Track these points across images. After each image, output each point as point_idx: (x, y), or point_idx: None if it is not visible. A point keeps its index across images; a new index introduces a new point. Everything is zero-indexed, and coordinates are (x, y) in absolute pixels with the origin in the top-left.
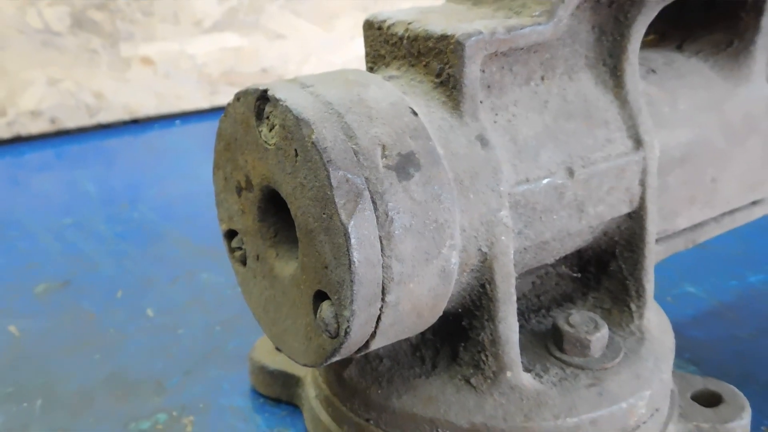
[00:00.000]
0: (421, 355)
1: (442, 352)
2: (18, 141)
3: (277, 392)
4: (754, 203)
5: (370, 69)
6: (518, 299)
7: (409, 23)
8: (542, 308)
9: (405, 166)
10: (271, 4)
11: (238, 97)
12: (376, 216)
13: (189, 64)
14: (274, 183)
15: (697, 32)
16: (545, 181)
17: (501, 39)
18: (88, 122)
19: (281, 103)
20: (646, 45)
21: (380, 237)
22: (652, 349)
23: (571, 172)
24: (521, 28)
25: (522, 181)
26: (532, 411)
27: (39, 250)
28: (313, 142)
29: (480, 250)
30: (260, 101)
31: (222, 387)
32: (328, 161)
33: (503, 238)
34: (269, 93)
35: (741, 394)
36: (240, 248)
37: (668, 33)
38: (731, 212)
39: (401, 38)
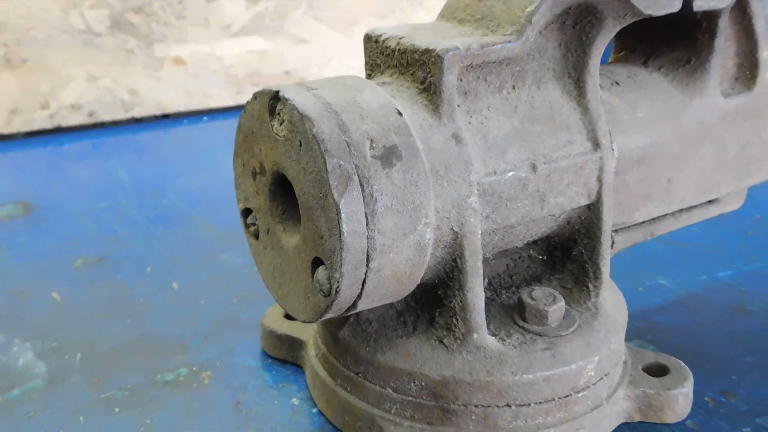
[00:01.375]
0: (404, 320)
1: (421, 317)
2: (59, 132)
3: (284, 354)
4: (710, 202)
5: (368, 75)
6: (493, 278)
7: (401, 38)
8: (513, 286)
9: (388, 156)
10: (295, 11)
11: (255, 96)
12: (362, 196)
13: (217, 65)
14: (282, 168)
15: (660, 50)
16: (510, 174)
17: (475, 53)
18: (123, 116)
19: (289, 102)
20: (616, 60)
21: (366, 213)
22: (603, 323)
23: (534, 167)
24: (493, 45)
25: (490, 173)
26: (493, 367)
27: (77, 229)
28: (313, 135)
29: (452, 229)
30: (273, 100)
31: (236, 349)
32: (324, 150)
33: (472, 219)
34: (280, 94)
35: (686, 366)
36: (254, 224)
37: (637, 49)
38: (688, 209)
39: (393, 50)
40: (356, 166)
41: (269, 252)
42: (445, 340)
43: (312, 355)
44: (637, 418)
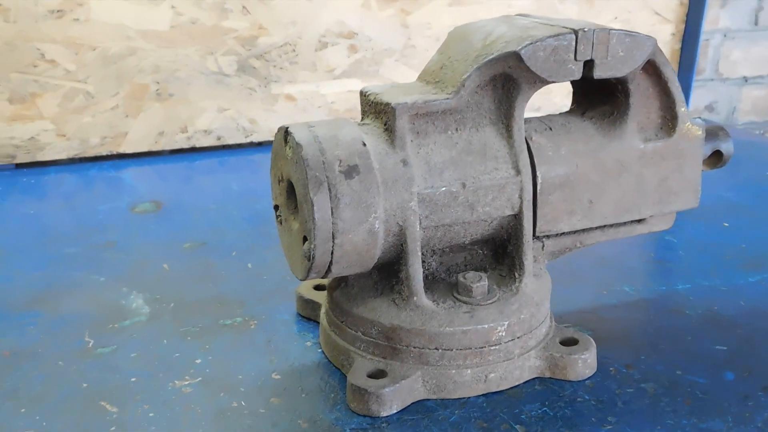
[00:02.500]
0: (376, 286)
1: (386, 285)
2: (193, 151)
3: (309, 313)
4: (638, 222)
5: (362, 118)
6: (452, 265)
7: (377, 94)
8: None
9: (350, 172)
10: (388, 58)
11: (279, 130)
12: (330, 196)
13: (321, 102)
14: (290, 177)
15: (595, 104)
16: (443, 188)
17: (419, 106)
18: (244, 140)
19: (292, 135)
20: (568, 111)
21: (331, 207)
22: (519, 300)
23: (463, 185)
24: (434, 101)
25: (428, 187)
26: (426, 321)
27: (191, 222)
28: (301, 156)
29: (398, 223)
30: (286, 133)
31: (279, 309)
32: (307, 166)
33: (411, 217)
34: (289, 129)
35: (592, 341)
36: (279, 215)
37: (581, 103)
38: (614, 226)
39: (372, 102)
40: (327, 176)
41: (285, 234)
42: (396, 300)
43: (322, 312)
44: (547, 374)
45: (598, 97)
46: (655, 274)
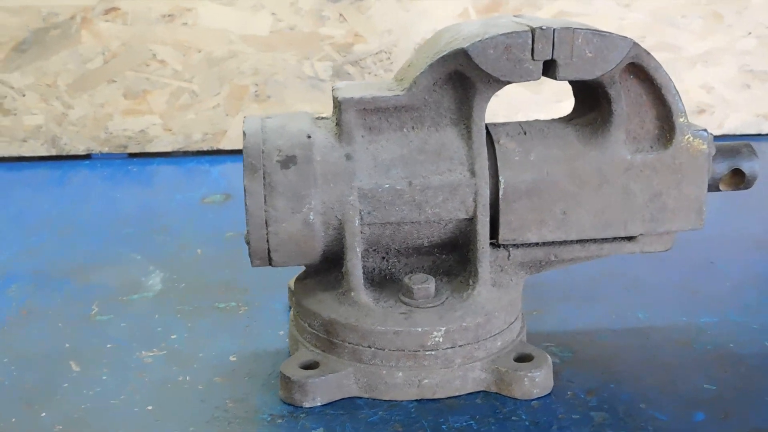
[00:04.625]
0: (327, 279)
1: (335, 279)
2: None
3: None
4: (627, 239)
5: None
6: (417, 268)
7: (337, 90)
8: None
9: (287, 162)
10: None
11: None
12: (264, 184)
13: None
14: None
15: (586, 111)
16: (387, 185)
17: (366, 101)
18: None
19: (244, 124)
20: (556, 118)
21: (264, 195)
22: (464, 308)
23: (410, 183)
24: (382, 97)
25: (372, 183)
26: (360, 317)
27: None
28: (243, 144)
29: (337, 217)
30: None
31: (275, 298)
32: (245, 154)
33: (350, 212)
34: (245, 119)
35: (548, 358)
36: None
37: (575, 109)
38: (597, 242)
39: (333, 99)
40: (264, 165)
41: None
42: (337, 294)
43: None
44: (493, 389)
45: (589, 103)
46: (681, 304)
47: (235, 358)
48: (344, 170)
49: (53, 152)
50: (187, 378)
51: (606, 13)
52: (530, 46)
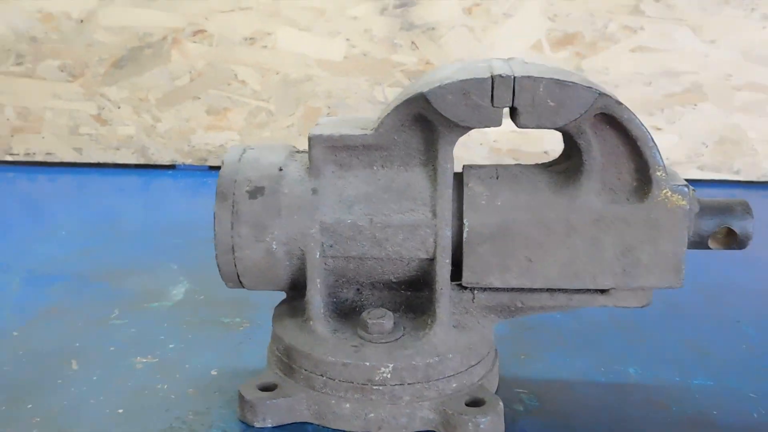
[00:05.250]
0: (298, 306)
1: (300, 307)
2: None
3: None
4: (599, 292)
5: None
6: (387, 303)
7: (317, 125)
8: (400, 312)
9: (255, 193)
10: None
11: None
12: (232, 212)
13: (484, 139)
14: None
15: (563, 158)
16: (349, 220)
17: (333, 138)
18: None
19: (226, 154)
20: (539, 163)
21: (231, 222)
22: (416, 346)
23: (371, 220)
24: (350, 135)
25: (335, 218)
26: (314, 346)
27: None
28: (219, 173)
29: (299, 248)
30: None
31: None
32: (219, 182)
33: (312, 244)
34: (230, 148)
35: (500, 406)
36: None
37: (563, 155)
38: (566, 292)
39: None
40: (234, 194)
41: None
42: (299, 322)
43: None
44: (441, 430)
45: (567, 151)
46: (681, 363)
47: (215, 372)
48: (309, 203)
49: (142, 161)
50: (165, 386)
51: (688, 50)
52: (490, 93)
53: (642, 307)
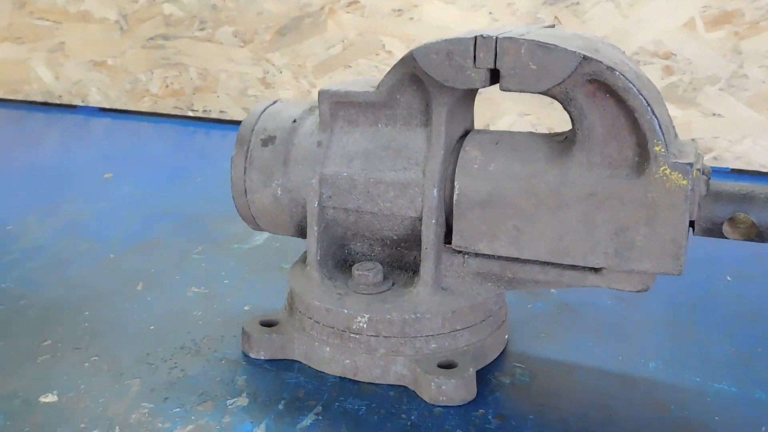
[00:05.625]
0: None
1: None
2: None
3: None
4: (593, 270)
5: None
6: (395, 261)
7: (332, 84)
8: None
9: (267, 141)
10: (711, 86)
11: None
12: (245, 158)
13: None
14: None
15: (568, 131)
16: (345, 173)
17: (339, 94)
18: None
19: (255, 105)
20: (549, 133)
21: (245, 167)
22: (394, 302)
23: (366, 176)
24: (354, 92)
25: (333, 170)
26: (305, 291)
27: None
28: (242, 122)
29: (302, 196)
30: None
31: None
32: (240, 130)
33: (312, 193)
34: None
35: (469, 373)
36: None
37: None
38: (557, 267)
39: None
40: (250, 141)
41: None
42: (304, 267)
43: None
44: (412, 387)
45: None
46: (708, 365)
47: (248, 308)
48: (312, 155)
49: None
50: (199, 314)
51: None
52: (472, 54)
53: (638, 291)
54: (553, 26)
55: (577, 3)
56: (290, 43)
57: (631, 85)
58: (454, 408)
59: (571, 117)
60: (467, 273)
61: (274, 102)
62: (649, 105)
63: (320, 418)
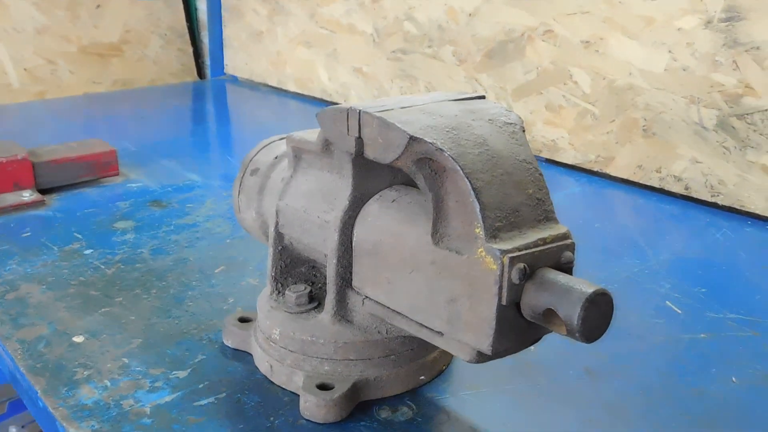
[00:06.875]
0: None
1: None
2: (661, 192)
3: None
4: (439, 333)
5: None
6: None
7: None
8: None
9: (254, 172)
10: None
11: None
12: (241, 182)
13: None
14: None
15: None
16: (293, 207)
17: (294, 140)
18: (709, 199)
19: (265, 140)
20: None
21: (239, 190)
22: (302, 323)
23: (304, 213)
24: (305, 140)
25: (286, 203)
26: (260, 299)
27: None
28: (247, 154)
29: (267, 221)
30: None
31: None
32: (243, 160)
33: (271, 219)
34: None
35: (324, 399)
36: None
37: None
38: (417, 323)
39: None
40: (246, 169)
41: None
42: None
43: None
44: None
45: None
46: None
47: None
48: (276, 188)
49: None
50: (232, 300)
51: None
52: (346, 123)
53: (469, 361)
54: (482, 97)
55: (758, 48)
56: (495, 66)
57: (458, 168)
58: (316, 425)
59: (422, 190)
60: (366, 312)
61: (282, 137)
62: (474, 189)
63: (215, 402)
